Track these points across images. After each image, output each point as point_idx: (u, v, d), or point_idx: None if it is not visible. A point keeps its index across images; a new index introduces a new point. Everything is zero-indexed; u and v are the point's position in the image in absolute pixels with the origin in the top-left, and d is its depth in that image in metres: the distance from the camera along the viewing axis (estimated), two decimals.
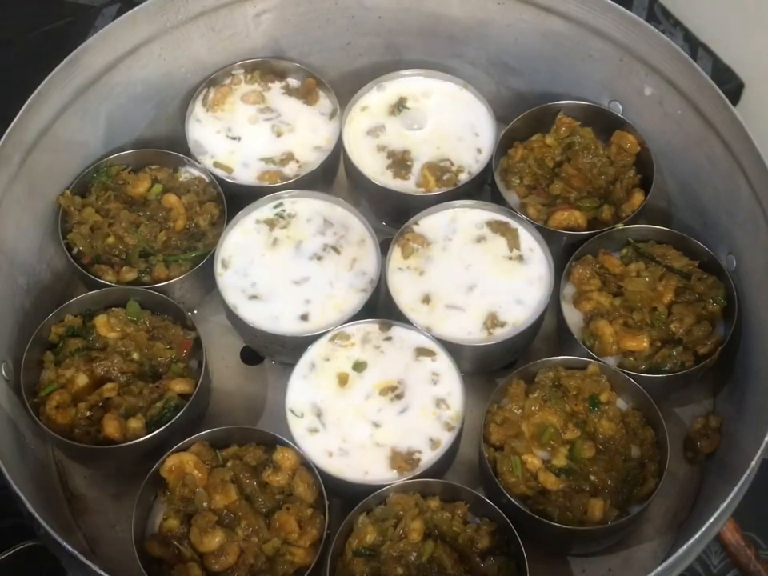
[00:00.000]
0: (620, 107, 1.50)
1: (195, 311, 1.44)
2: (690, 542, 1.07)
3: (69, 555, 1.08)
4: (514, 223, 1.42)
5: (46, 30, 1.94)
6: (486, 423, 1.27)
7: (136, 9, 1.40)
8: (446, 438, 1.26)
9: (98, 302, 1.37)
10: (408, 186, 1.47)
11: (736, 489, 1.08)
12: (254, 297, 1.36)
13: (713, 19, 1.92)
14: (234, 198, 1.44)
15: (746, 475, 1.08)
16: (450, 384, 1.30)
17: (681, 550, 1.06)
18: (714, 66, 1.91)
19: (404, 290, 1.37)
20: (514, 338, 1.33)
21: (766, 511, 1.40)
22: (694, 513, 1.30)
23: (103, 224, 1.41)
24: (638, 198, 1.43)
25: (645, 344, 1.31)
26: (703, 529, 1.06)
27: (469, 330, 1.34)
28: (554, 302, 1.37)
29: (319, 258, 1.40)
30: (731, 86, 1.90)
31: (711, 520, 1.07)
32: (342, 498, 1.26)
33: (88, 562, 1.06)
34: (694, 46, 1.94)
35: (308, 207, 1.44)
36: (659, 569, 1.05)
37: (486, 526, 1.20)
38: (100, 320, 1.34)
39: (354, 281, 1.38)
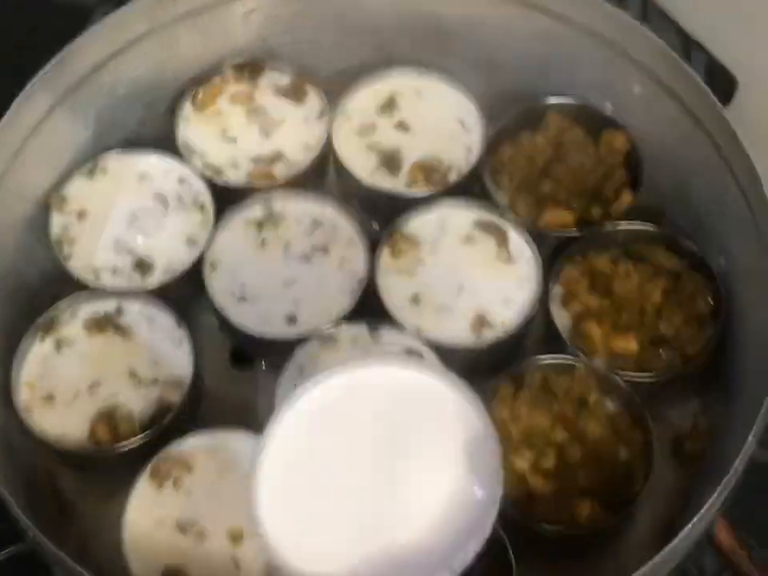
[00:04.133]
0: (610, 106, 1.49)
1: (185, 313, 1.44)
2: (675, 541, 1.07)
3: (58, 559, 1.07)
4: (503, 223, 1.41)
5: (40, 30, 1.94)
6: None
7: (124, 8, 1.39)
8: None
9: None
10: (398, 185, 1.46)
11: (719, 488, 1.08)
12: (242, 298, 1.36)
13: (707, 18, 1.90)
14: (223, 199, 1.44)
15: (728, 475, 1.08)
16: None
17: (665, 550, 1.07)
18: (708, 65, 1.90)
19: (393, 291, 1.37)
20: (502, 340, 1.33)
21: (760, 512, 1.40)
22: (682, 514, 1.30)
23: None
24: (627, 197, 1.42)
25: (634, 345, 1.30)
26: (686, 530, 1.07)
27: (458, 331, 1.34)
28: (542, 303, 1.36)
29: (308, 259, 1.39)
30: (725, 85, 1.89)
31: (695, 520, 1.07)
32: None
33: (78, 567, 1.06)
34: (687, 44, 1.92)
35: (297, 207, 1.43)
36: (644, 568, 1.06)
37: None
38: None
39: (343, 282, 1.37)
